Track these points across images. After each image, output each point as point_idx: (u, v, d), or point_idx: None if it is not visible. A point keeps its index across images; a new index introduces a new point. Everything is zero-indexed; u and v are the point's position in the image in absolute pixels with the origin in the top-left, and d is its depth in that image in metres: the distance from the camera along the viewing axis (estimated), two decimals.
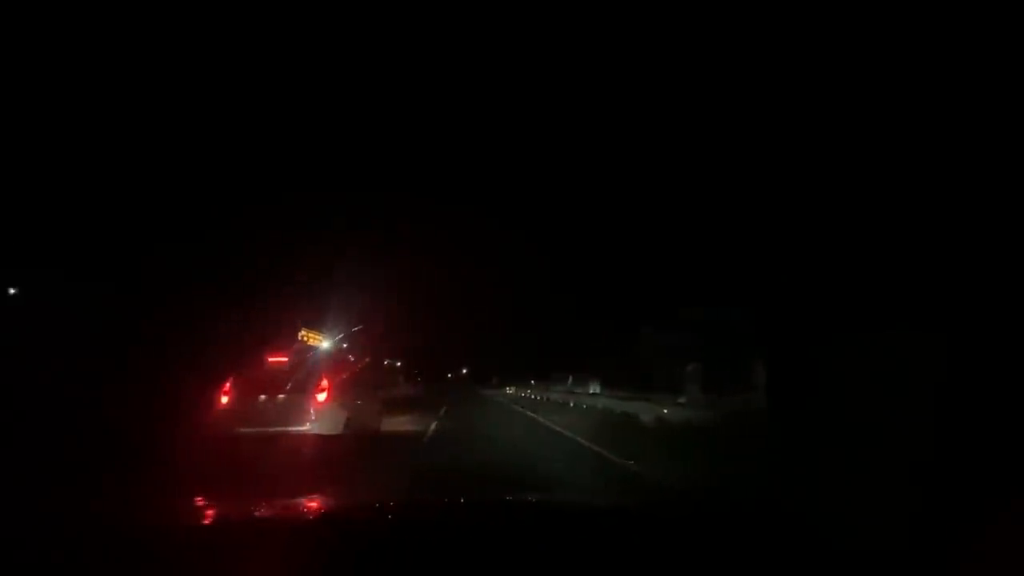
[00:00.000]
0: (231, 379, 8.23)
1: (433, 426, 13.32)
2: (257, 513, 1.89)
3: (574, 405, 21.43)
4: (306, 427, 7.94)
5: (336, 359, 9.30)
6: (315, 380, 8.21)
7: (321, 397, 8.14)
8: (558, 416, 16.56)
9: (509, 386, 45.82)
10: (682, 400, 13.22)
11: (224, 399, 8.06)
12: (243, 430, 7.77)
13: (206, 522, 1.77)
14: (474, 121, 54.01)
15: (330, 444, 7.92)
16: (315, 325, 23.63)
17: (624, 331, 32.58)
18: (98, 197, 12.16)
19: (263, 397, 8.02)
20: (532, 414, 18.96)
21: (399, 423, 14.58)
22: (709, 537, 1.52)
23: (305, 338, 21.64)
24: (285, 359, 8.56)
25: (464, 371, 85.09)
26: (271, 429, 7.82)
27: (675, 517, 1.92)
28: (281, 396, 8.04)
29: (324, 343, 22.40)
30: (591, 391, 25.31)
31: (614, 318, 34.02)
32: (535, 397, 31.35)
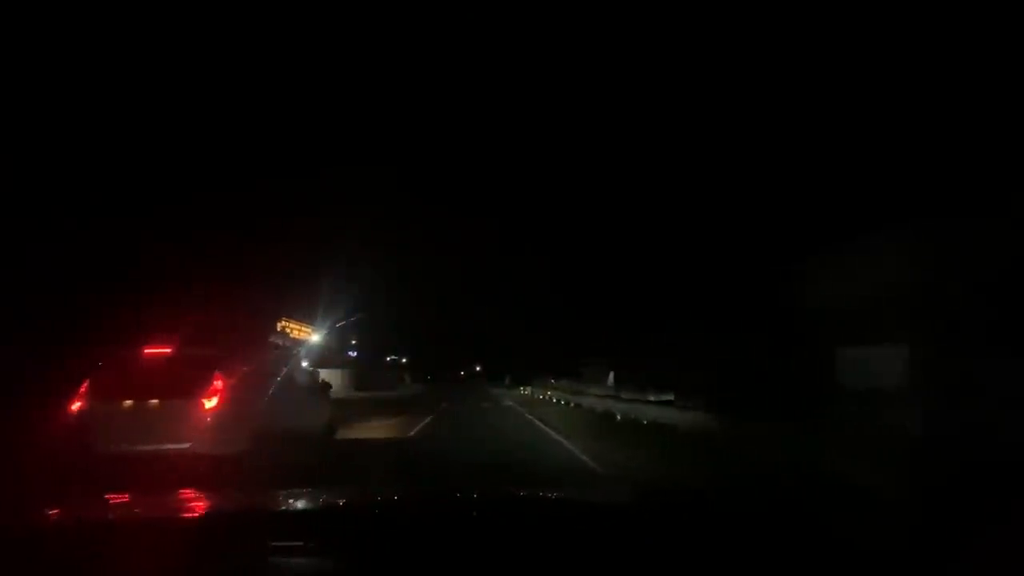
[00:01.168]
0: (89, 378, 5.97)
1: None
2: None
3: (636, 422, 12.36)
4: (187, 445, 5.64)
5: (248, 348, 6.89)
6: (204, 378, 5.87)
7: (210, 403, 5.80)
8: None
9: (524, 386, 40.47)
10: None
11: (76, 405, 5.80)
12: (98, 449, 5.53)
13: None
14: (488, 112, 51.74)
15: (221, 470, 5.58)
16: (301, 317, 21.65)
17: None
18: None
19: (129, 403, 5.75)
20: (549, 429, 12.45)
21: (370, 429, 12.39)
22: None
23: (287, 329, 19.64)
24: (169, 350, 6.23)
25: (478, 368, 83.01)
26: (138, 447, 5.56)
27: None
28: (154, 401, 5.75)
29: (313, 336, 20.44)
30: (650, 398, 16.38)
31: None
32: (558, 401, 23.08)
